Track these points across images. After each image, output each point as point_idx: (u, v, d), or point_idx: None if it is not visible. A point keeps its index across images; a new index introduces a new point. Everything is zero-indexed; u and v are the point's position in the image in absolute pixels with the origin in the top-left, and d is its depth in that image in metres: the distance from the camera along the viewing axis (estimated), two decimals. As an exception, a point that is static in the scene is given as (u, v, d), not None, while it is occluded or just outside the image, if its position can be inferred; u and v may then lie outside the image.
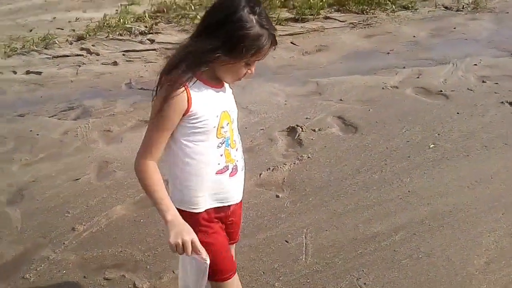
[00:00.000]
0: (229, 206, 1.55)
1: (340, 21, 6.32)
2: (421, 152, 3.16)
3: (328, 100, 4.07)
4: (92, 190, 2.97)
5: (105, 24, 6.63)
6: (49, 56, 5.68)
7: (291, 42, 5.66)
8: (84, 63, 5.44)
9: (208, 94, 1.40)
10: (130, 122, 3.85)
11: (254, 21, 1.31)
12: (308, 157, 3.22)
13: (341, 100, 4.05)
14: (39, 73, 5.19)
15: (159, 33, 6.23)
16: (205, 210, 1.48)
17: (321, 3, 6.76)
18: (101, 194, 2.93)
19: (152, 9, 7.31)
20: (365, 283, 2.15)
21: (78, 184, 3.04)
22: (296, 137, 3.48)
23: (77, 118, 4.06)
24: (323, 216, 2.63)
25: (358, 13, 6.57)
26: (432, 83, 4.16)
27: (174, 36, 6.05)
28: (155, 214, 2.66)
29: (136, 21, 6.75)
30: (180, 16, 6.88)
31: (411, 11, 6.49)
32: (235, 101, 1.55)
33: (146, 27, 6.41)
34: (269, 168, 3.08)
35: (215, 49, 1.30)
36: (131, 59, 5.44)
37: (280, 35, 5.15)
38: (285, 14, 6.54)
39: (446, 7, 6.55)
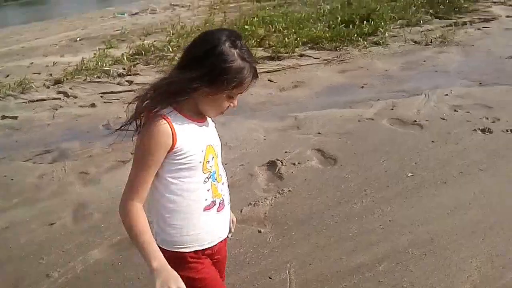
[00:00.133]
0: (215, 244, 1.51)
1: (315, 58, 6.50)
2: (400, 181, 3.19)
3: (307, 133, 4.12)
4: (68, 234, 2.88)
5: (83, 67, 6.67)
6: (25, 101, 5.64)
7: (268, 79, 5.76)
8: (61, 106, 5.41)
9: (192, 128, 1.38)
10: (108, 163, 3.80)
11: (236, 54, 1.33)
12: (289, 190, 3.22)
13: (319, 133, 4.10)
14: (15, 117, 5.14)
15: (138, 74, 6.28)
16: (193, 251, 1.44)
17: (295, 42, 6.97)
18: (77, 238, 2.84)
19: (130, 52, 7.40)
20: (351, 317, 2.11)
21: (53, 229, 2.95)
22: (276, 171, 3.48)
23: (54, 161, 3.99)
24: (306, 249, 2.60)
25: (331, 50, 6.78)
26: (406, 114, 4.26)
27: (152, 76, 6.09)
28: (133, 257, 2.59)
29: (114, 64, 6.81)
30: (158, 58, 6.98)
31: (382, 47, 6.74)
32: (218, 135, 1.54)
33: (124, 69, 6.47)
34: (250, 203, 3.06)
35: (196, 79, 1.31)
36: (109, 101, 5.44)
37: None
38: (261, 52, 6.70)
39: (415, 42, 6.82)
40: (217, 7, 12.30)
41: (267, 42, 7.19)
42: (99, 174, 3.64)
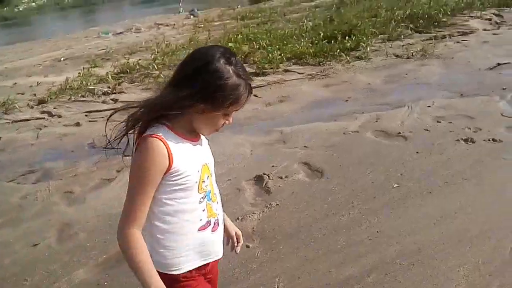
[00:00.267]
0: (208, 263, 1.48)
1: (299, 73, 6.57)
2: (386, 192, 3.22)
3: (293, 147, 4.13)
4: (53, 255, 2.82)
5: (67, 86, 6.64)
6: (8, 121, 5.58)
7: (254, 95, 5.77)
8: (45, 126, 5.36)
9: (187, 148, 1.35)
10: (93, 181, 3.75)
11: (231, 71, 1.30)
12: (277, 204, 3.21)
13: (305, 146, 4.12)
14: (-2, 138, 5.06)
15: (122, 92, 6.27)
16: (187, 271, 1.40)
17: (279, 58, 7.05)
18: (62, 258, 2.79)
19: (115, 70, 7.40)
20: (341, 330, 2.09)
21: (37, 249, 2.89)
22: (263, 186, 3.48)
23: (38, 181, 3.93)
24: (295, 263, 2.59)
25: (315, 65, 6.87)
26: (391, 126, 4.32)
27: (137, 94, 6.10)
28: (119, 276, 2.55)
29: (99, 83, 6.80)
30: (143, 76, 6.99)
31: (365, 61, 6.85)
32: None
33: (109, 87, 6.46)
34: (238, 218, 3.04)
35: (191, 96, 1.28)
36: (94, 119, 5.40)
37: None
38: (246, 69, 6.73)
39: (397, 56, 6.96)
40: (202, 25, 12.41)
41: (251, 58, 7.27)
42: (84, 193, 3.59)
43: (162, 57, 7.93)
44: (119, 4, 29.81)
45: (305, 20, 10.02)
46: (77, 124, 5.27)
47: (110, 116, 1.39)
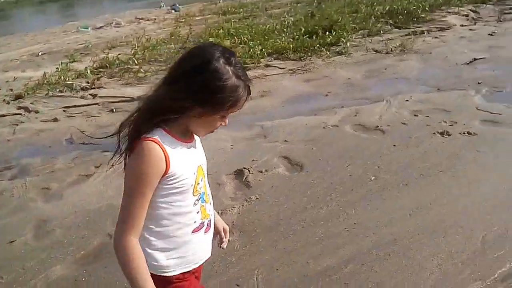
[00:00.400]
0: (200, 264, 1.47)
1: (280, 68, 6.59)
2: (364, 184, 3.26)
3: (273, 141, 4.16)
4: (29, 252, 2.78)
5: (45, 82, 6.52)
6: (-17, 117, 5.45)
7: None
8: (22, 122, 5.27)
9: (183, 151, 1.32)
10: (71, 177, 3.71)
11: (231, 72, 1.25)
12: (256, 198, 3.23)
13: (285, 141, 4.14)
14: (-27, 134, 4.95)
15: (102, 87, 6.19)
16: (180, 273, 1.39)
17: (261, 53, 7.06)
18: (39, 255, 2.75)
19: (94, 65, 7.29)
20: (318, 320, 2.12)
21: (13, 247, 2.85)
22: (243, 180, 3.49)
23: (14, 178, 3.87)
24: (274, 255, 2.61)
25: (296, 60, 6.90)
26: (369, 120, 4.38)
27: (117, 89, 6.04)
28: (97, 272, 2.54)
29: (77, 78, 6.70)
30: (123, 71, 6.91)
31: (345, 56, 6.91)
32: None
33: (87, 82, 6.37)
34: (218, 212, 2.99)
35: (188, 98, 1.23)
36: (73, 115, 5.33)
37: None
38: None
39: (376, 51, 7.04)
40: (183, 20, 12.32)
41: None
42: (62, 189, 3.55)
43: (143, 52, 7.85)
44: (99, -2, 29.35)
45: (286, 16, 10.05)
46: (55, 120, 5.19)
47: (120, 130, 1.33)
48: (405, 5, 9.18)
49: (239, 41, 7.87)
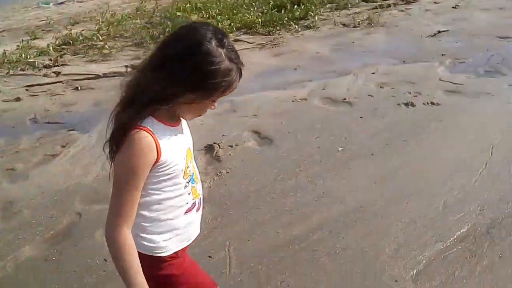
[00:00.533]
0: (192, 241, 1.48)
1: (249, 43, 6.53)
2: (331, 156, 3.34)
3: (243, 116, 4.17)
4: (-4, 234, 2.73)
5: (5, 60, 6.24)
6: None
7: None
8: (-18, 102, 5.05)
9: (172, 136, 1.29)
10: (36, 158, 3.61)
11: (223, 54, 1.19)
12: (227, 172, 3.26)
13: (255, 115, 4.16)
14: None
15: (65, 65, 5.99)
16: (173, 252, 1.39)
17: (229, 27, 6.97)
18: (6, 236, 2.70)
19: (57, 42, 7.02)
20: (288, 285, 2.20)
21: (-21, 230, 2.78)
22: (214, 155, 3.50)
23: (-24, 160, 3.74)
24: (245, 227, 2.66)
25: (265, 35, 6.85)
26: (337, 93, 4.44)
27: (81, 67, 5.86)
28: (67, 250, 2.53)
29: (39, 55, 6.44)
30: (87, 47, 6.69)
31: (313, 30, 6.91)
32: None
33: (50, 60, 6.14)
34: (188, 187, 3.06)
35: (179, 84, 1.18)
36: (36, 94, 5.14)
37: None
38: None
39: (344, 24, 7.07)
40: (149, -6, 11.94)
41: (200, 28, 7.12)
42: (27, 169, 3.46)
43: (107, 28, 7.60)
44: (59, -28, 28.01)
45: (255, -11, 9.87)
46: (17, 99, 5.00)
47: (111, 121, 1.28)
48: (372, -22, 9.18)
49: (207, 15, 7.72)
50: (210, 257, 2.43)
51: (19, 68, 5.93)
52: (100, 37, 6.98)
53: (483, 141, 3.39)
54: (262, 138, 3.74)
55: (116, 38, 7.05)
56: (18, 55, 6.38)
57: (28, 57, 6.28)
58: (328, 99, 4.34)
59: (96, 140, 3.80)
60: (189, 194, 1.37)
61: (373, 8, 7.72)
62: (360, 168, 3.16)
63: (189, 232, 1.43)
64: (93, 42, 6.81)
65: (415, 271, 2.25)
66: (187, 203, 1.37)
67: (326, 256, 2.37)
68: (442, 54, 5.27)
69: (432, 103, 4.01)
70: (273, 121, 4.00)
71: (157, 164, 1.23)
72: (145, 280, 1.24)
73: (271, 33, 6.89)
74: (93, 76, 5.46)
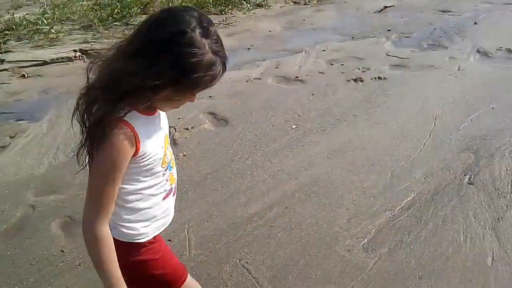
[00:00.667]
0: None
1: (202, 23, 6.46)
2: (286, 133, 3.43)
3: (198, 98, 4.06)
4: None
5: None
6: None
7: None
8: None
9: (150, 126, 1.24)
10: (-17, 151, 3.48)
11: (207, 46, 1.10)
12: (184, 155, 3.28)
13: (210, 96, 4.17)
14: None
15: (9, 51, 5.69)
16: (152, 237, 1.39)
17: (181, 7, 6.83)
18: (-44, 234, 2.61)
19: (-2, 28, 6.65)
20: (247, 262, 2.28)
21: None
22: (170, 138, 3.50)
23: None
24: (203, 208, 2.71)
25: (217, 14, 6.79)
26: (289, 71, 4.52)
27: (27, 53, 5.60)
28: (22, 244, 2.49)
29: (-21, 42, 6.08)
30: (32, 32, 6.38)
31: (265, 8, 6.92)
32: None
33: (-8, 47, 5.82)
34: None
35: (160, 79, 1.09)
36: (-22, 84, 4.89)
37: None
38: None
39: (295, 2, 7.12)
40: (94, -27, 11.42)
41: (151, 8, 6.95)
42: (-27, 163, 3.33)
43: (53, 10, 7.25)
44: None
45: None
46: (-42, 90, 4.75)
47: (78, 109, 1.19)
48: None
49: (156, -5, 7.53)
50: (170, 240, 2.47)
51: (-43, 57, 5.59)
52: (45, 21, 6.66)
53: (427, 112, 3.58)
54: (218, 119, 3.77)
55: (63, 22, 6.76)
56: (-46, 43, 6.00)
57: (-33, 44, 5.92)
58: (281, 78, 4.41)
59: (47, 129, 3.70)
60: (167, 181, 1.36)
61: (323, -15, 7.80)
62: (313, 144, 3.27)
63: (166, 217, 1.45)
64: (38, 27, 6.49)
65: (366, 240, 2.40)
66: (165, 190, 1.37)
67: (282, 231, 2.47)
68: (388, 30, 5.45)
69: (379, 78, 4.17)
70: (228, 102, 4.03)
71: (136, 155, 1.20)
72: (123, 281, 1.23)
73: (223, 12, 6.84)
74: (40, 62, 5.24)
